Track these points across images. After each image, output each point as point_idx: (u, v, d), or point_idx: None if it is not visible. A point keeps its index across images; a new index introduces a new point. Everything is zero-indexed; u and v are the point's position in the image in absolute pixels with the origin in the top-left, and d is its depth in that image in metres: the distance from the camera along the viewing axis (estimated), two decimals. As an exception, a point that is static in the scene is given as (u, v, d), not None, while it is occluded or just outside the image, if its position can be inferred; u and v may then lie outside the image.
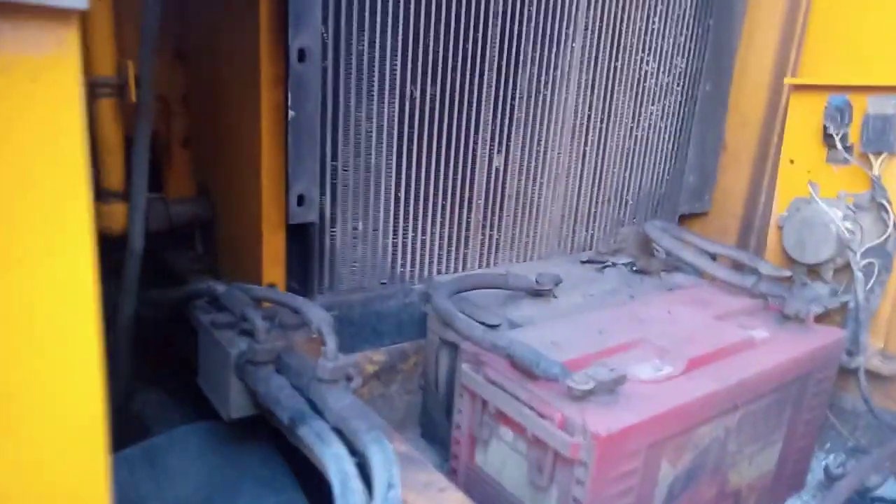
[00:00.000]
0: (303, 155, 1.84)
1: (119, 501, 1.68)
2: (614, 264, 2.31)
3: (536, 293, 1.94)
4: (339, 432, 1.24)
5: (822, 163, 2.25)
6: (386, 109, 1.94)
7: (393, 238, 2.08)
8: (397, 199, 2.05)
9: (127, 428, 1.97)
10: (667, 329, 1.74)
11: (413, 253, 2.14)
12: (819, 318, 2.00)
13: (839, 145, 2.13)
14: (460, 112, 2.09)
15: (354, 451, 1.22)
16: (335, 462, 1.13)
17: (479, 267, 2.29)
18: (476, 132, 2.15)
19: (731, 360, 1.64)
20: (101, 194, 1.98)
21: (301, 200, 1.86)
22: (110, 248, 2.03)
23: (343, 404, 1.26)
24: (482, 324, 1.66)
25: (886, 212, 2.06)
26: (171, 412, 2.05)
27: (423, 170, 2.07)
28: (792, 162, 2.36)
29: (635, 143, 2.63)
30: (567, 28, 2.25)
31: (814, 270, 2.22)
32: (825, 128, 2.16)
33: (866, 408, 2.09)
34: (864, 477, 1.70)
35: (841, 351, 1.96)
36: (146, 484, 1.67)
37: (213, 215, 2.24)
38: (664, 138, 2.73)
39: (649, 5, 2.46)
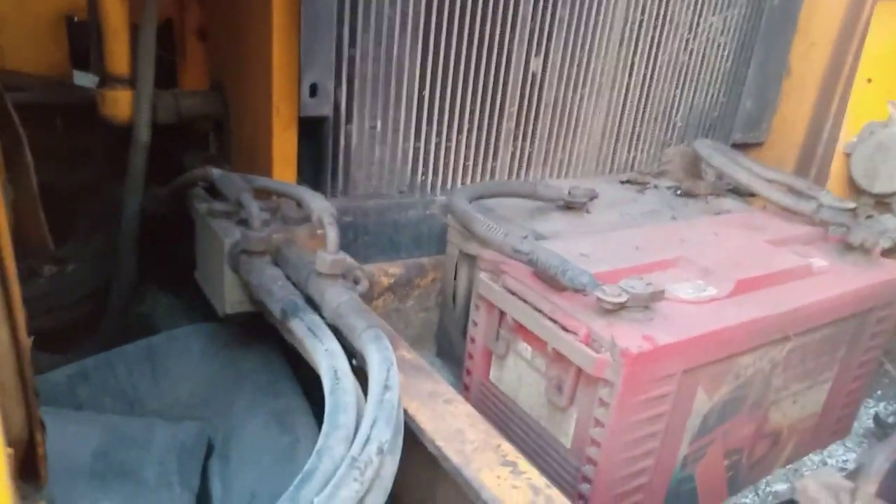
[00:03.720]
0: (317, 39, 1.66)
1: (116, 398, 1.62)
2: (656, 186, 2.11)
3: (568, 206, 1.76)
4: (336, 331, 1.11)
5: (905, 81, 1.98)
6: (412, -8, 1.74)
7: (415, 142, 1.91)
8: (421, 98, 1.86)
9: (136, 329, 1.90)
10: (712, 250, 1.56)
11: (436, 160, 1.97)
12: (885, 254, 1.78)
13: (930, 58, 1.85)
14: (496, 3, 1.86)
15: (351, 353, 1.09)
16: (327, 358, 1.00)
17: (508, 178, 2.11)
18: (513, 29, 1.93)
19: (784, 287, 1.46)
20: (105, 79, 1.86)
21: (314, 90, 1.69)
22: (120, 144, 1.92)
23: (342, 300, 1.12)
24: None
25: (978, 136, 1.80)
26: (179, 317, 1.97)
27: (452, 67, 1.87)
28: (869, 81, 2.09)
29: (690, 58, 2.37)
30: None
31: (883, 202, 1.99)
32: (915, 38, 1.88)
33: (928, 355, 1.89)
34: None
35: (908, 288, 1.74)
36: (144, 382, 1.60)
37: (226, 113, 2.09)
38: (723, 55, 2.46)
39: None
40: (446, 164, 1.98)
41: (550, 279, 1.27)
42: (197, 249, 1.50)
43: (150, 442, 1.32)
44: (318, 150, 1.83)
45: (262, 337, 1.58)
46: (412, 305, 2.00)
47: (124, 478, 1.25)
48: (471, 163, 2.03)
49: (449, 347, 1.91)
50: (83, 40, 2.15)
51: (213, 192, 1.52)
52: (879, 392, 1.99)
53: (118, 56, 1.83)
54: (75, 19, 2.25)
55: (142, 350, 1.61)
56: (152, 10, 1.70)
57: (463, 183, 2.02)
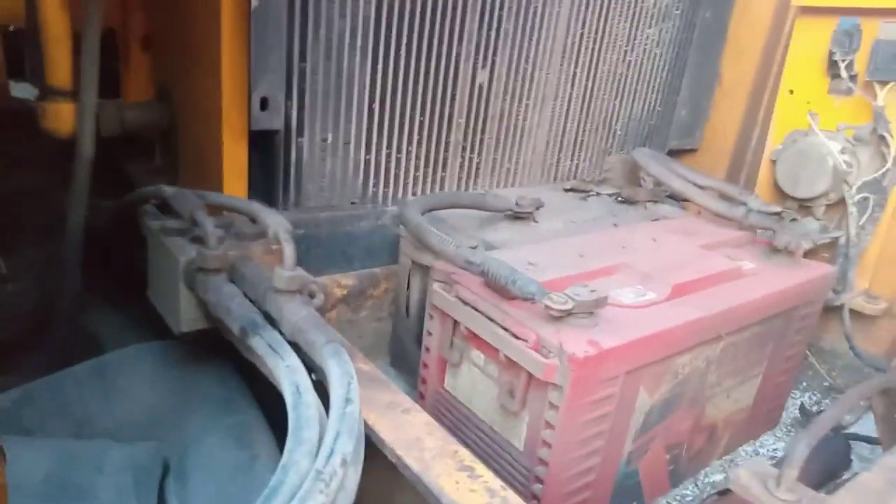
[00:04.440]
0: (267, 52, 1.67)
1: (67, 419, 1.59)
2: (598, 194, 2.20)
3: (516, 216, 1.83)
4: (295, 346, 1.13)
5: (823, 94, 2.14)
6: (362, 7, 1.76)
7: (366, 154, 1.94)
8: (371, 110, 1.90)
9: (83, 347, 1.86)
10: (651, 256, 1.65)
11: (387, 171, 2.00)
12: (807, 255, 1.92)
13: (844, 73, 2.01)
14: (443, 18, 1.91)
15: (310, 367, 1.12)
16: (288, 374, 1.03)
17: (457, 190, 2.16)
18: (459, 42, 1.98)
19: (716, 289, 1.56)
20: (45, 91, 1.81)
21: (264, 104, 1.70)
22: (63, 155, 1.88)
23: (300, 316, 1.15)
24: (457, 243, 1.55)
25: (887, 145, 1.96)
26: (128, 334, 1.93)
27: (401, 80, 1.91)
28: (791, 92, 2.24)
29: (628, 69, 2.48)
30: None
31: (805, 206, 2.14)
32: (831, 54, 2.03)
33: (846, 347, 2.05)
34: (842, 413, 1.65)
35: (829, 287, 1.89)
36: (95, 402, 1.58)
37: (173, 123, 2.07)
38: (658, 66, 2.58)
39: (652, -86, 2.27)
40: (397, 175, 2.02)
41: (501, 289, 1.33)
42: (149, 267, 1.49)
43: (104, 463, 1.31)
44: (269, 162, 1.84)
45: (216, 354, 1.58)
46: (365, 316, 2.02)
47: (78, 501, 1.24)
48: (421, 173, 2.07)
49: (403, 357, 1.95)
50: (19, 49, 2.09)
51: (165, 208, 1.51)
52: (804, 384, 2.14)
53: (60, 67, 1.79)
54: (11, 28, 2.18)
55: (91, 369, 1.59)
56: (95, 18, 1.66)
57: (414, 193, 2.07)
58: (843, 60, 1.99)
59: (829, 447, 1.69)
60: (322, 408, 1.03)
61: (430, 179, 2.10)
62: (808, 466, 1.13)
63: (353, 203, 1.97)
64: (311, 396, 1.01)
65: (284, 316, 1.16)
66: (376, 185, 2.00)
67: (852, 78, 2.02)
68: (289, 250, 1.22)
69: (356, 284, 1.96)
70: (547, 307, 1.26)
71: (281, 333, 1.16)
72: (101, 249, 1.87)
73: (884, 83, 1.94)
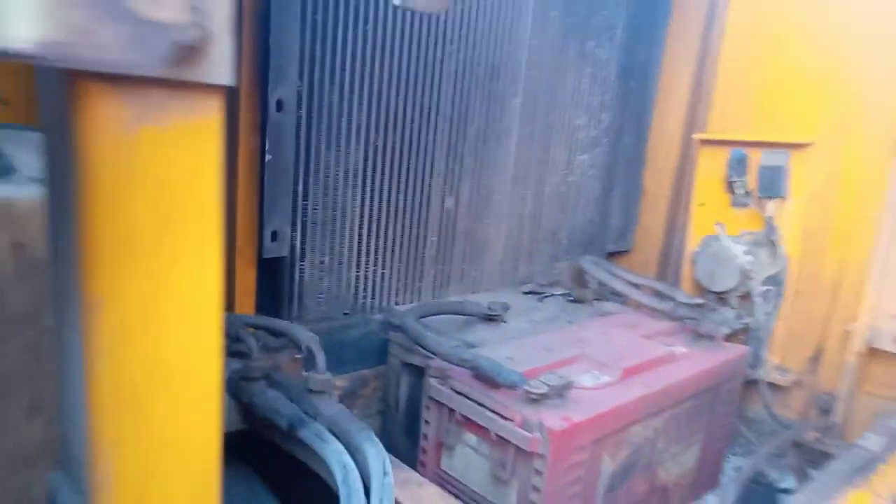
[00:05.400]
0: (277, 195, 2.02)
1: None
2: (553, 295, 2.59)
3: (489, 318, 2.17)
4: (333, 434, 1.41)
5: (726, 206, 2.63)
6: (352, 155, 2.16)
7: (356, 271, 2.28)
8: (360, 235, 2.26)
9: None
10: (603, 347, 2.01)
11: (374, 285, 2.34)
12: (727, 338, 2.33)
13: (739, 191, 2.52)
14: (417, 159, 2.34)
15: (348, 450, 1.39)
16: (337, 456, 1.30)
17: (433, 298, 2.51)
18: (431, 176, 2.40)
19: (657, 371, 1.92)
20: None
21: (274, 236, 2.04)
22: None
23: (334, 410, 1.44)
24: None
25: (777, 248, 2.45)
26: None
27: (385, 209, 2.29)
28: (702, 205, 2.74)
29: (568, 189, 2.96)
30: (510, 87, 2.57)
31: (721, 297, 2.58)
32: (728, 176, 2.55)
33: (767, 415, 2.43)
34: (755, 469, 2.00)
35: (746, 364, 2.29)
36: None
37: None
38: (593, 185, 3.08)
39: (580, 68, 2.82)
40: (382, 288, 2.36)
41: (488, 380, 1.65)
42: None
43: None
44: (276, 282, 2.15)
45: (239, 458, 1.80)
46: (357, 413, 2.28)
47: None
48: (402, 285, 2.42)
49: (394, 448, 2.19)
50: None
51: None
52: (737, 448, 2.49)
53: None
54: None
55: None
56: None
57: (396, 303, 2.40)
58: (737, 181, 2.50)
59: (760, 500, 2.02)
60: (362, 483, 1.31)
61: (409, 290, 2.45)
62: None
63: (345, 314, 2.29)
64: (356, 473, 1.28)
65: (321, 411, 1.44)
66: (365, 297, 2.33)
67: (747, 194, 2.53)
68: (321, 358, 1.52)
69: (348, 386, 2.24)
70: (527, 392, 1.59)
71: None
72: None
73: (770, 199, 2.46)
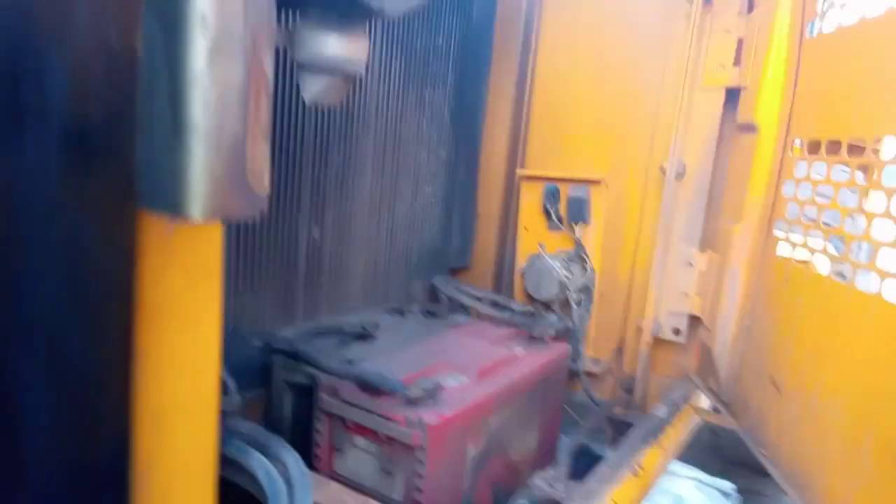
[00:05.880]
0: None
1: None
2: (411, 311, 2.96)
3: (362, 336, 2.48)
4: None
5: (545, 229, 3.19)
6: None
7: (233, 300, 2.45)
8: (237, 268, 2.44)
9: None
10: (459, 353, 2.42)
11: (251, 312, 2.53)
12: (553, 338, 2.86)
13: (554, 217, 3.08)
14: (287, 195, 2.58)
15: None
16: (260, 464, 1.54)
17: (305, 321, 2.75)
18: (298, 210, 2.65)
19: (503, 370, 2.37)
20: None
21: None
22: None
23: (249, 427, 1.66)
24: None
25: (586, 262, 3.05)
26: None
27: (258, 241, 2.50)
28: (526, 229, 3.28)
29: (415, 215, 3.35)
30: (362, 129, 2.90)
31: (546, 305, 3.12)
32: (545, 205, 3.10)
33: (588, 398, 3.01)
34: (575, 443, 2.55)
35: (568, 359, 2.83)
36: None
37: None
38: (436, 211, 3.50)
39: (420, 110, 3.23)
40: (257, 315, 2.56)
41: (374, 390, 1.97)
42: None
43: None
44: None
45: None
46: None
47: None
48: (277, 311, 2.63)
49: (281, 459, 2.41)
50: None
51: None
52: (567, 429, 3.05)
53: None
54: None
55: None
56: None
57: (272, 327, 2.61)
58: (552, 209, 3.07)
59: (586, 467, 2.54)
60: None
61: (283, 315, 2.66)
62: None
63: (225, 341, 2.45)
64: (278, 476, 1.53)
65: (238, 429, 1.66)
66: (242, 324, 2.51)
67: (560, 220, 3.10)
68: (231, 383, 1.73)
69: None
70: (406, 397, 1.93)
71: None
72: None
73: (577, 223, 3.05)
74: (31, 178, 0.82)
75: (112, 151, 0.87)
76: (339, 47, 1.20)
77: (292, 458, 1.56)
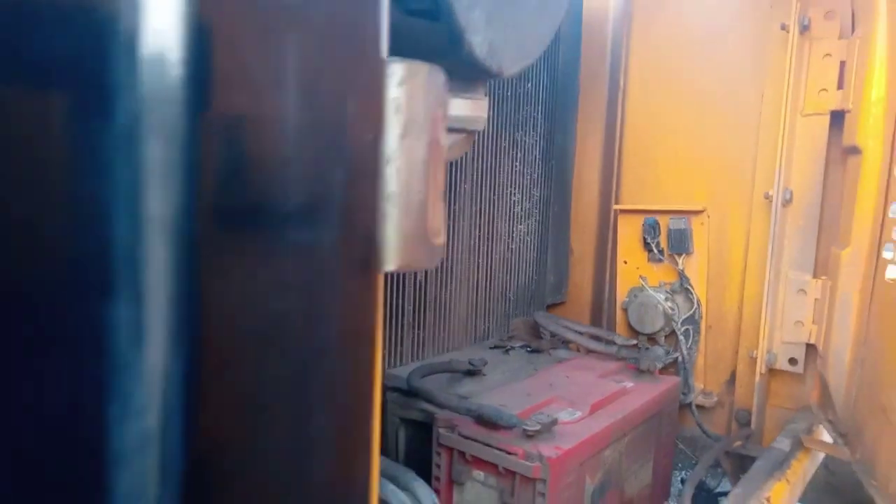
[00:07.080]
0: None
1: None
2: (514, 347, 3.00)
3: (471, 373, 2.54)
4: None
5: (645, 262, 3.18)
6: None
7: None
8: (352, 310, 2.58)
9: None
10: (569, 387, 2.43)
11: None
12: (661, 371, 2.82)
13: (655, 250, 3.07)
14: (394, 240, 2.71)
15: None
16: (395, 495, 1.62)
17: (412, 360, 2.85)
18: (405, 254, 2.78)
19: (615, 403, 2.36)
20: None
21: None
22: None
23: (382, 458, 1.75)
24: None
25: (691, 293, 3.00)
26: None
27: (370, 286, 2.64)
28: (625, 262, 3.28)
29: (511, 254, 3.42)
30: (460, 175, 3.02)
31: (651, 338, 3.09)
32: (644, 238, 3.10)
33: (700, 431, 2.92)
34: (697, 478, 2.47)
35: (679, 392, 2.78)
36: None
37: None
38: (531, 249, 3.56)
39: (512, 153, 3.33)
40: (371, 355, 2.68)
41: (490, 424, 2.02)
42: None
43: None
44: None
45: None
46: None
47: None
48: (386, 352, 2.75)
49: (398, 495, 2.49)
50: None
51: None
52: (680, 464, 2.97)
53: None
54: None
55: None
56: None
57: (383, 368, 2.72)
58: (652, 242, 3.06)
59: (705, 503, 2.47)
60: (416, 514, 1.62)
61: (393, 354, 2.77)
62: None
63: (341, 381, 2.57)
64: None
65: (368, 462, 1.75)
66: (356, 364, 2.63)
67: (660, 252, 3.08)
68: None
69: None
70: (524, 430, 1.97)
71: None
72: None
73: (679, 255, 3.02)
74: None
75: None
76: (464, 107, 1.31)
77: (424, 490, 1.62)
